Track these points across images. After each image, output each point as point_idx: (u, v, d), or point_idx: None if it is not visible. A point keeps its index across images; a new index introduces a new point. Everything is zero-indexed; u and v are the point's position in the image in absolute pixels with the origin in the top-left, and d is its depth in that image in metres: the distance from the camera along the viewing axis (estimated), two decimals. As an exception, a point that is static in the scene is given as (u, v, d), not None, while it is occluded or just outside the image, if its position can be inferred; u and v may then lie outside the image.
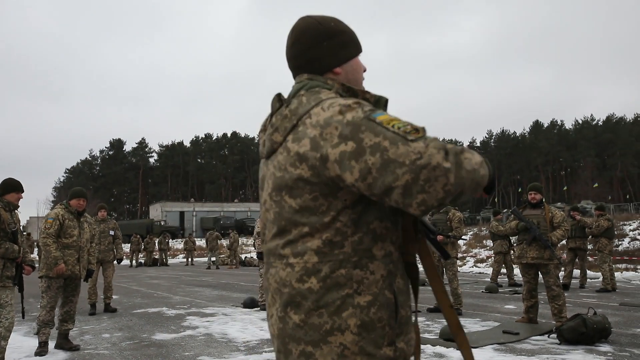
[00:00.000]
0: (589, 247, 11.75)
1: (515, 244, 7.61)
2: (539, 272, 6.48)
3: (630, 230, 19.68)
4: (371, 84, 1.61)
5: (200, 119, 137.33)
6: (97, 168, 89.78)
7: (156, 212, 60.54)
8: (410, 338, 1.36)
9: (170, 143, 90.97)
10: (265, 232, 1.44)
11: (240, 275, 17.63)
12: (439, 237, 1.45)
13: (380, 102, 1.39)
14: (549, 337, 5.72)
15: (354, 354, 1.24)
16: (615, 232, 18.49)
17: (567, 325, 5.43)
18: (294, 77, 1.47)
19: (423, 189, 1.15)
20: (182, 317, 8.08)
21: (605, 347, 5.28)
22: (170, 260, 30.64)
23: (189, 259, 26.72)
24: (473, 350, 1.60)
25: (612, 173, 79.93)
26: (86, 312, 8.62)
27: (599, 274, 11.15)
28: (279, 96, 1.41)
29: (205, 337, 6.38)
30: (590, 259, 14.55)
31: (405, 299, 1.36)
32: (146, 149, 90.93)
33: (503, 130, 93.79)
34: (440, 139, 1.21)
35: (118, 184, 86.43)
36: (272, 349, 5.50)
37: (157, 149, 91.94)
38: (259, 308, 8.73)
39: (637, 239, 18.51)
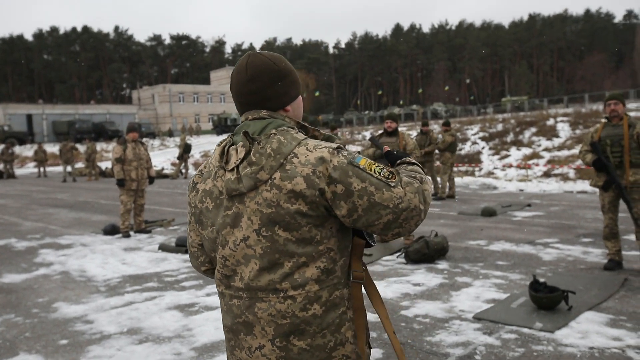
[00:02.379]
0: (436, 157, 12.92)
1: None
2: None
3: (472, 135, 21.42)
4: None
5: (42, 8, 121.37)
6: None
7: (-3, 115, 54.26)
8: None
9: (7, 36, 79.89)
10: (234, 268, 1.47)
11: (100, 190, 16.79)
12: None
13: (331, 139, 1.53)
14: (397, 257, 6.33)
15: None
16: (460, 138, 20.38)
17: (412, 248, 6.05)
18: (244, 110, 1.54)
19: (400, 225, 1.41)
20: (34, 250, 7.61)
21: (442, 265, 5.99)
22: (19, 171, 28.18)
23: (41, 169, 24.74)
24: None
25: (460, 76, 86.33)
26: None
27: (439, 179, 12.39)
28: (245, 134, 1.44)
29: (62, 276, 6.12)
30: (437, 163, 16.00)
31: None
32: (-24, 42, 79.02)
33: (367, 32, 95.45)
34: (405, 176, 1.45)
35: (-56, 83, 75.07)
36: (136, 288, 5.53)
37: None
38: (120, 235, 8.50)
39: (477, 143, 20.35)
